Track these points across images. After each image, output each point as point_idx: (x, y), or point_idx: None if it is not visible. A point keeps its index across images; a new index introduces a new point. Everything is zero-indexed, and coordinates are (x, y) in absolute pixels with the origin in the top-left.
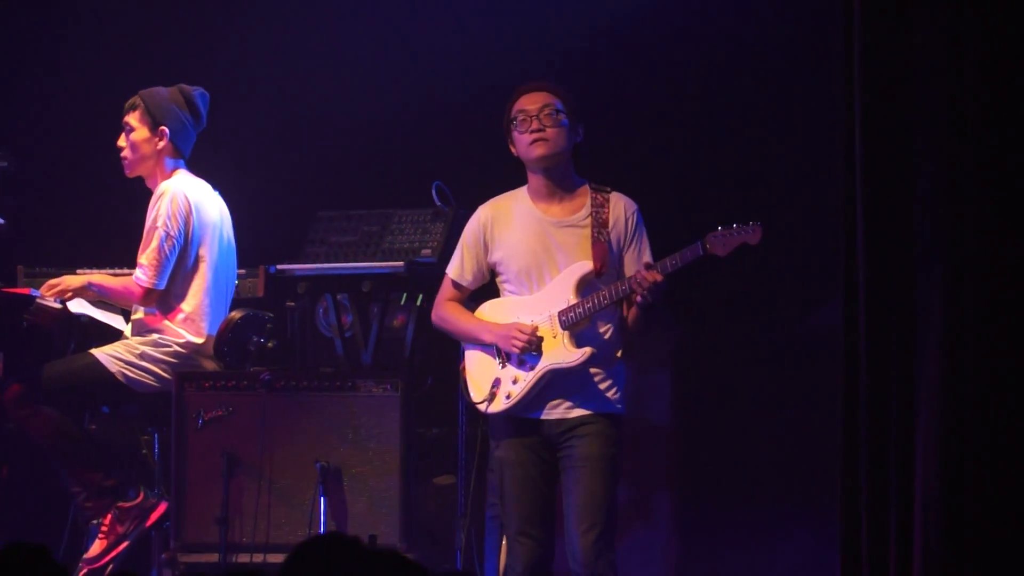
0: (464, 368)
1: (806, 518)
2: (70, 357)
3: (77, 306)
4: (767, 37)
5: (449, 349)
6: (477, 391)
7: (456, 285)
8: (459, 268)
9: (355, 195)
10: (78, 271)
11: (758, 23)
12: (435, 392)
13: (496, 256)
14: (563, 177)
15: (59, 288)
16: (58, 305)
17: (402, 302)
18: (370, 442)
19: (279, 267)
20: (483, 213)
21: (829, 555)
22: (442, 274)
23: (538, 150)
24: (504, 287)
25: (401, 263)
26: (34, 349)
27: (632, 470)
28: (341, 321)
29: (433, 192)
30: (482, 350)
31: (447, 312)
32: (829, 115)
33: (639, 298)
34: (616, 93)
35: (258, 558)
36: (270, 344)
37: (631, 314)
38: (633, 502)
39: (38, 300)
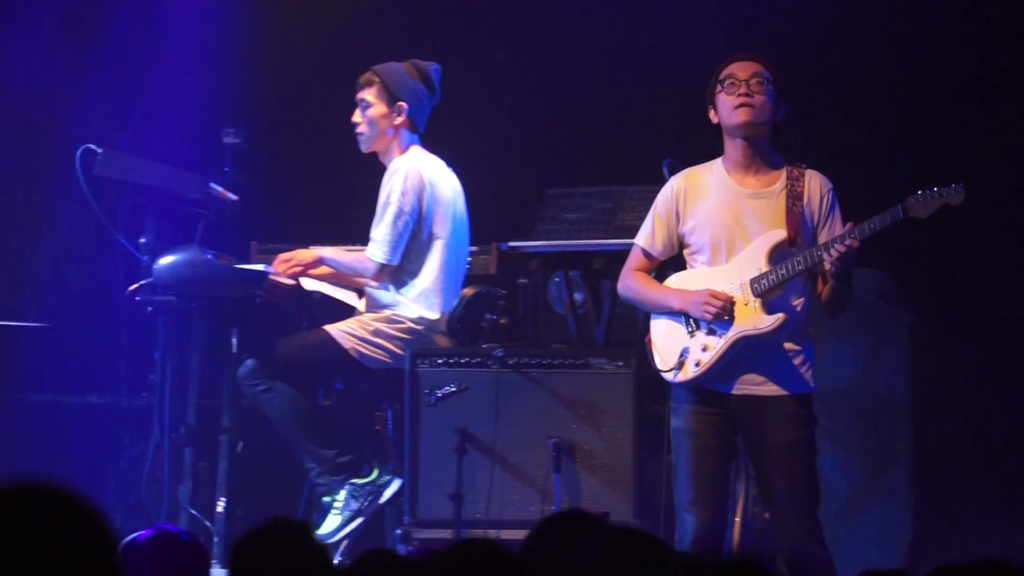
0: (650, 339)
1: None
2: (304, 333)
3: (310, 282)
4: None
5: None
6: (664, 360)
7: (645, 254)
8: (649, 237)
9: (587, 172)
10: (311, 247)
11: None
12: None
13: (687, 226)
14: (761, 150)
15: (292, 263)
16: (291, 281)
17: None
18: (603, 419)
19: (511, 244)
20: (676, 183)
21: None
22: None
23: (742, 116)
24: (694, 259)
25: (633, 240)
26: (268, 325)
27: (866, 447)
28: (573, 298)
29: (664, 169)
30: (670, 319)
31: (634, 282)
32: None
33: (832, 266)
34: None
35: (492, 534)
36: (503, 321)
37: (826, 290)
38: (867, 480)
39: (271, 276)
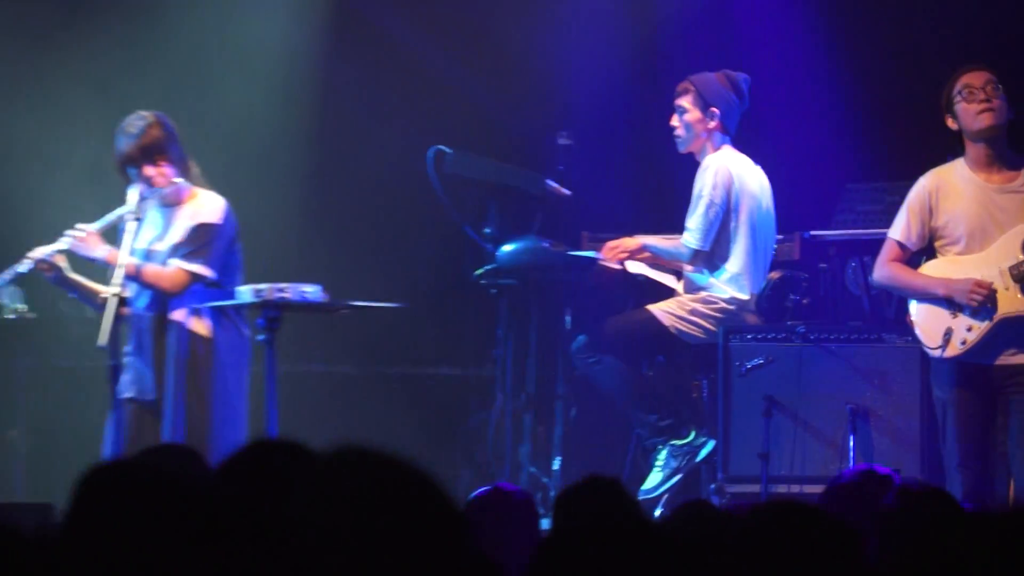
0: (911, 320)
1: None
2: (629, 312)
3: (634, 266)
4: None
5: None
6: (929, 338)
7: (900, 246)
8: (905, 231)
9: (880, 168)
10: (635, 235)
11: None
12: None
13: (941, 221)
14: (1001, 149)
15: (618, 250)
16: (617, 266)
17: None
18: (893, 386)
19: (813, 233)
20: (928, 182)
21: None
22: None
23: (987, 119)
24: (947, 249)
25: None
26: (597, 305)
27: None
28: (867, 280)
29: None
30: (931, 303)
31: (894, 271)
32: None
33: None
34: None
35: (795, 488)
36: (805, 301)
37: None
38: None
39: (600, 262)
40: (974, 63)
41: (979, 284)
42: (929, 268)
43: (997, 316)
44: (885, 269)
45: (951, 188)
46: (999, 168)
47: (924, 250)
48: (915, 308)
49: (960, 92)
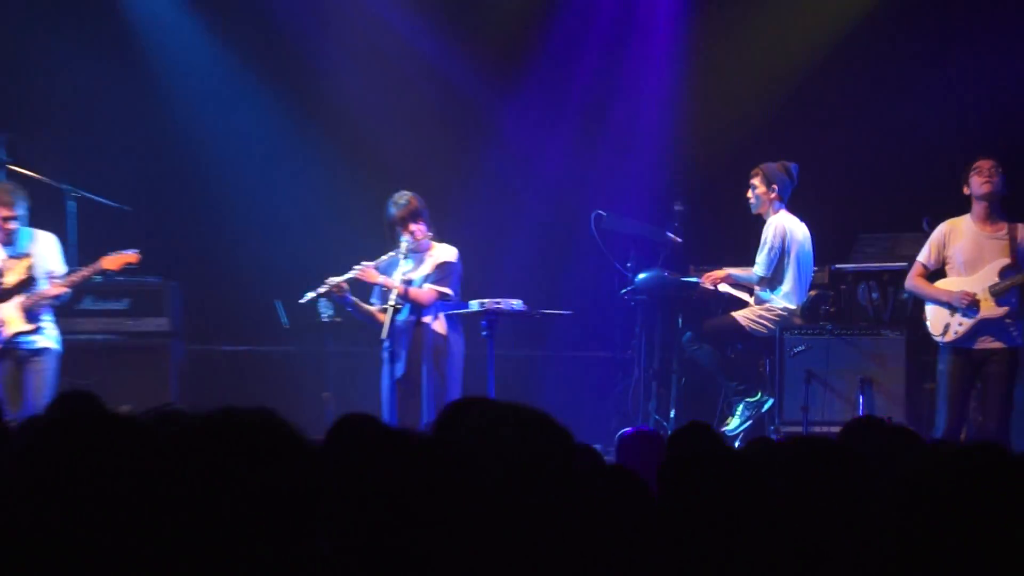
0: (925, 317)
1: None
2: (720, 316)
3: (723, 287)
4: None
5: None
6: (935, 328)
7: (923, 266)
8: (927, 257)
9: (881, 221)
10: (723, 267)
11: None
12: (926, 334)
13: (949, 252)
14: (994, 210)
15: (712, 277)
16: (712, 287)
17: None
18: (888, 363)
19: (837, 265)
20: (945, 227)
21: None
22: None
23: (986, 188)
24: (951, 271)
25: (903, 263)
26: (698, 312)
27: None
28: (872, 296)
29: (924, 223)
30: (938, 305)
31: (918, 283)
32: None
33: None
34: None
35: (824, 429)
36: (832, 310)
37: None
38: None
39: (700, 284)
40: (986, 155)
41: (967, 294)
42: (940, 283)
43: (978, 316)
44: (912, 281)
45: (958, 232)
46: (992, 223)
47: (938, 271)
48: (928, 308)
49: (974, 169)
